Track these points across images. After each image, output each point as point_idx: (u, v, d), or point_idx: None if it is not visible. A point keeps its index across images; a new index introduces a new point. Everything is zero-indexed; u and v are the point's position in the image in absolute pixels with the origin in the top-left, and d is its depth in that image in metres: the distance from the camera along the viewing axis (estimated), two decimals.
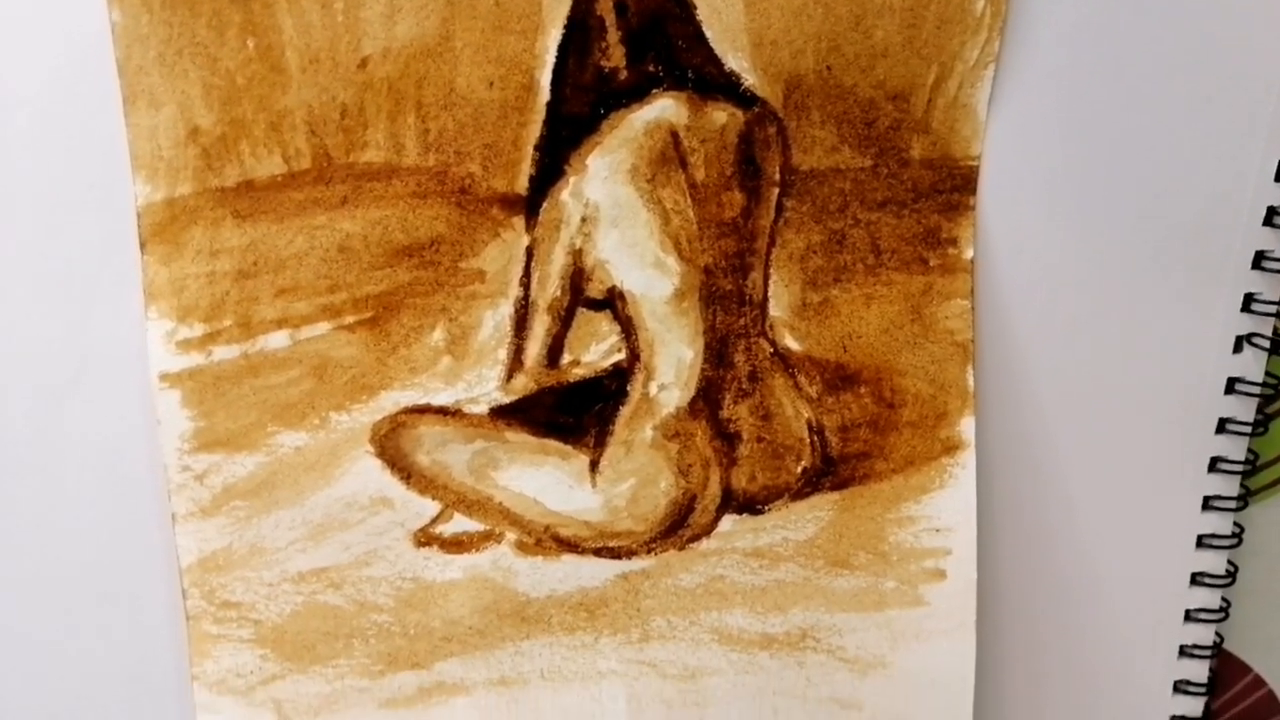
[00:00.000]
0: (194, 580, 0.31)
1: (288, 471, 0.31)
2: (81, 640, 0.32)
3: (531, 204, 0.30)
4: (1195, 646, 0.35)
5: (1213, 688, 0.36)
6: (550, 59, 0.29)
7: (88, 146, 0.29)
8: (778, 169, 0.30)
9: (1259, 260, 0.32)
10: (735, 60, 0.29)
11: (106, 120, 0.29)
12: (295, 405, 0.30)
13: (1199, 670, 0.35)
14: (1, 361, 0.30)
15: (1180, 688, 0.35)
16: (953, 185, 0.30)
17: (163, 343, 0.30)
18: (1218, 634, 0.35)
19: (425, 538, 0.31)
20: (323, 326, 0.30)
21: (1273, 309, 0.32)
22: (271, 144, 0.29)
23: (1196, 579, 0.34)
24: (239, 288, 0.30)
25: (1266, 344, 0.33)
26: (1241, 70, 0.30)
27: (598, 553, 0.32)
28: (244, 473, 0.30)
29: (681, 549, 0.32)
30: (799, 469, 0.31)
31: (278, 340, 0.30)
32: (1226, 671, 0.38)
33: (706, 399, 0.31)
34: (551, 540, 0.31)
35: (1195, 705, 0.35)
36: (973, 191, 0.30)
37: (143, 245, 0.29)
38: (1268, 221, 0.31)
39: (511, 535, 0.31)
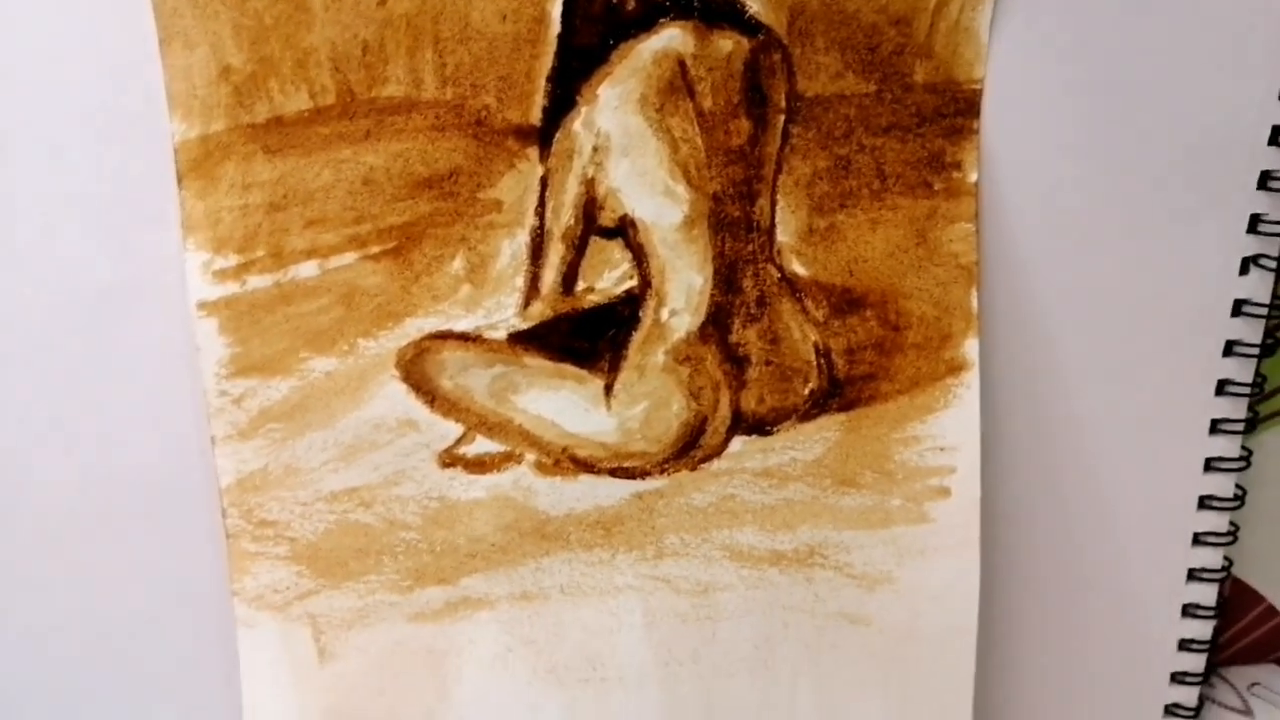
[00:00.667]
0: (233, 500, 0.33)
1: (319, 395, 0.32)
2: (127, 557, 0.34)
3: (545, 135, 0.31)
4: (1204, 570, 0.36)
5: (1222, 613, 0.36)
6: None
7: (127, 86, 0.30)
8: (783, 96, 0.31)
9: (1264, 180, 0.32)
10: None
11: (144, 60, 0.30)
12: (325, 332, 0.32)
13: (1208, 594, 0.36)
14: (50, 293, 0.32)
15: (1189, 611, 0.36)
16: (956, 109, 0.31)
17: (200, 273, 0.31)
18: (1226, 558, 0.36)
19: (450, 458, 0.33)
20: (349, 256, 0.31)
21: (1278, 232, 0.33)
22: (298, 81, 0.30)
23: (1204, 502, 0.35)
24: (270, 220, 0.31)
25: (1274, 265, 0.33)
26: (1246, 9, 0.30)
27: (613, 473, 0.33)
28: (278, 396, 0.32)
29: (693, 469, 0.33)
30: (806, 391, 0.33)
31: (308, 269, 0.31)
32: (1239, 600, 0.38)
33: (716, 324, 0.32)
34: (569, 461, 0.33)
35: (1204, 629, 0.36)
36: (976, 115, 0.31)
37: (180, 180, 0.31)
38: (1273, 141, 0.32)
39: (531, 456, 0.33)
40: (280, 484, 0.33)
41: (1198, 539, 0.35)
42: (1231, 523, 0.35)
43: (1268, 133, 0.32)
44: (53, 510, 0.33)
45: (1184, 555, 0.35)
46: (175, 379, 0.32)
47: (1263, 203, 0.32)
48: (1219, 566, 0.36)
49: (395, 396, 0.32)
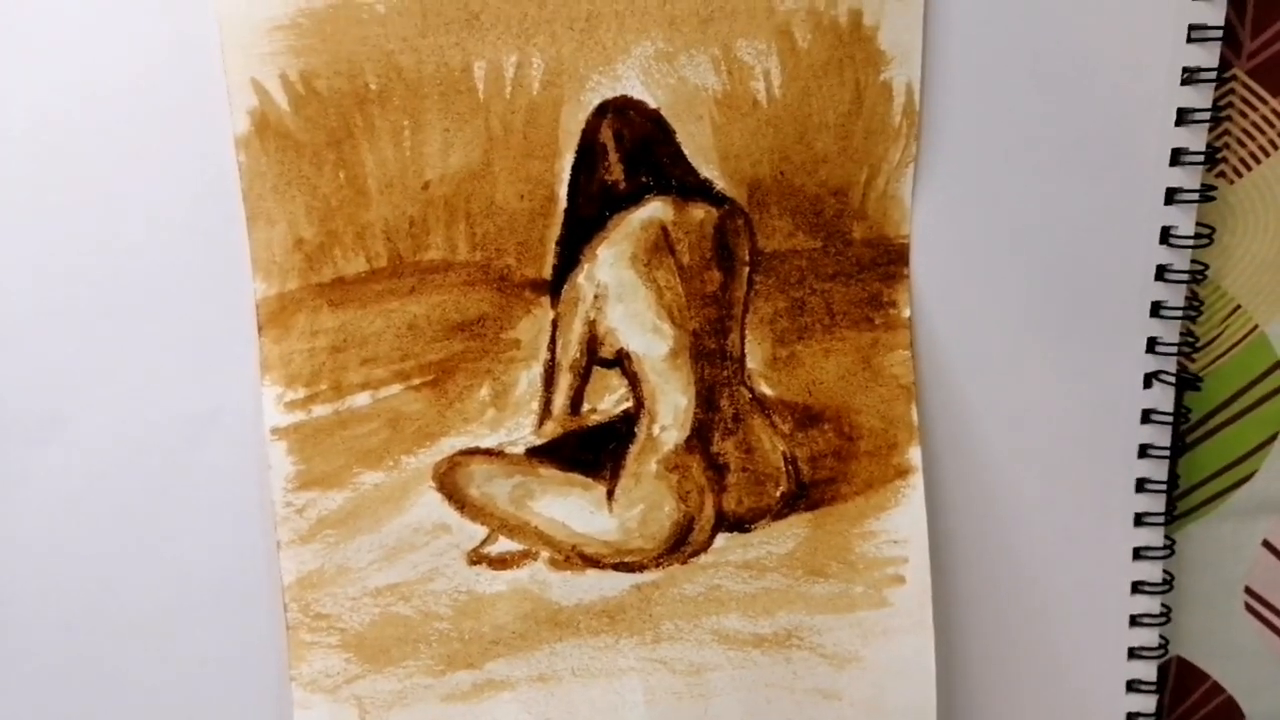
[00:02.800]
0: (293, 596, 0.39)
1: (368, 504, 0.39)
2: (200, 646, 0.39)
3: (555, 286, 0.38)
4: (1143, 649, 0.40)
5: (1163, 688, 0.41)
6: (566, 176, 0.38)
7: (218, 253, 0.38)
8: (747, 252, 0.38)
9: (1156, 310, 0.39)
10: (708, 170, 0.38)
11: (231, 234, 0.38)
12: (374, 451, 0.39)
13: (1148, 670, 0.40)
14: (149, 418, 0.38)
15: (1133, 687, 0.40)
16: (889, 259, 0.38)
17: (274, 404, 0.38)
18: (1163, 637, 0.41)
19: (476, 557, 0.39)
20: (396, 387, 0.38)
21: (1173, 349, 0.39)
22: (357, 249, 0.38)
23: (1137, 587, 0.40)
24: (332, 359, 0.38)
25: (1173, 379, 0.39)
26: (1125, 160, 0.38)
27: (615, 567, 0.39)
28: (334, 506, 0.39)
29: (684, 563, 0.39)
30: (778, 493, 0.39)
31: (361, 399, 0.38)
32: (1186, 679, 0.43)
33: (699, 437, 0.39)
34: (578, 557, 0.39)
35: (1148, 703, 0.40)
36: (906, 263, 0.38)
37: (260, 329, 0.38)
38: (1159, 277, 0.39)
39: (545, 553, 0.39)
40: (333, 581, 0.39)
41: (1134, 620, 0.40)
42: (1164, 605, 0.40)
43: (1153, 270, 0.38)
44: (137, 607, 0.39)
45: (1123, 635, 0.40)
46: (245, 493, 0.39)
47: (1156, 328, 0.39)
48: (1156, 645, 0.40)
49: (431, 504, 0.39)
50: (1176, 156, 0.38)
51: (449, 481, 0.39)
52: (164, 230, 0.38)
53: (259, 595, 0.39)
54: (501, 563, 0.39)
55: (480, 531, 0.39)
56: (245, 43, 0.36)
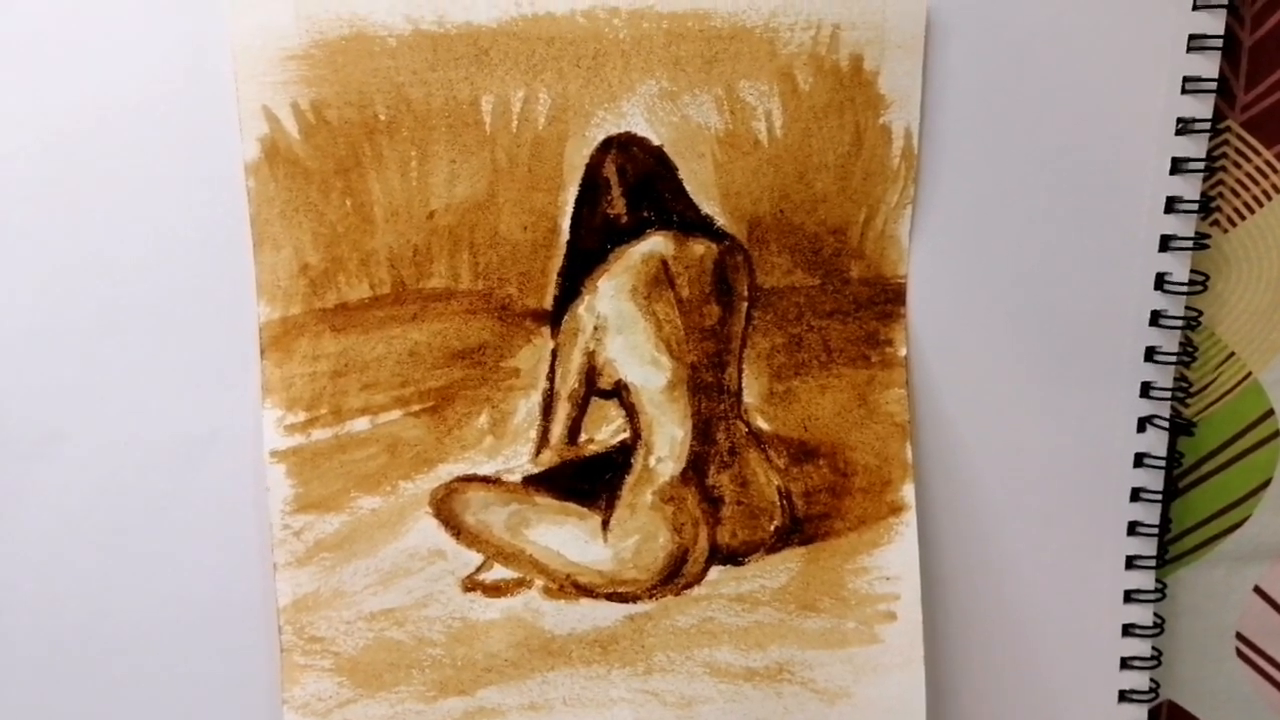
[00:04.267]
0: (288, 619, 0.39)
1: (364, 529, 0.39)
2: (193, 667, 0.40)
3: (555, 317, 0.39)
4: (1133, 692, 0.41)
5: None
6: (569, 209, 0.38)
7: (223, 276, 0.39)
8: (746, 287, 0.39)
9: (1150, 355, 0.39)
10: (709, 207, 0.38)
11: (238, 257, 0.39)
12: (372, 476, 0.39)
13: (1139, 714, 0.41)
14: (148, 438, 0.39)
15: None
16: (886, 298, 0.39)
17: (274, 427, 0.39)
18: (1154, 680, 0.41)
19: (471, 584, 0.39)
20: (395, 413, 0.39)
21: (1166, 394, 0.39)
22: (361, 275, 0.39)
23: (1128, 630, 0.40)
24: (333, 384, 0.39)
25: (1166, 425, 0.40)
26: (1120, 207, 0.38)
27: (609, 597, 0.39)
28: (331, 530, 0.39)
29: (677, 594, 0.39)
30: (772, 527, 0.39)
31: (361, 424, 0.39)
32: None
33: (695, 469, 0.39)
34: (572, 586, 0.39)
35: None
36: (903, 302, 0.39)
37: (262, 352, 0.39)
38: (1153, 322, 0.39)
39: (539, 582, 0.39)
40: (329, 605, 0.39)
41: (1125, 663, 0.40)
42: (1155, 648, 0.41)
43: (1148, 315, 0.39)
44: (132, 626, 0.39)
45: (1114, 678, 0.40)
46: (243, 514, 0.39)
47: (1150, 372, 0.39)
48: (1146, 688, 0.40)
49: (428, 530, 0.39)
50: (1171, 204, 0.38)
51: (445, 508, 0.39)
52: (170, 252, 0.38)
53: (253, 617, 0.39)
54: (496, 590, 0.39)
55: (475, 558, 0.39)
56: (258, 71, 0.37)
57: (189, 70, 0.37)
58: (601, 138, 0.38)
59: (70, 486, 0.39)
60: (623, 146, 0.38)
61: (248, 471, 0.39)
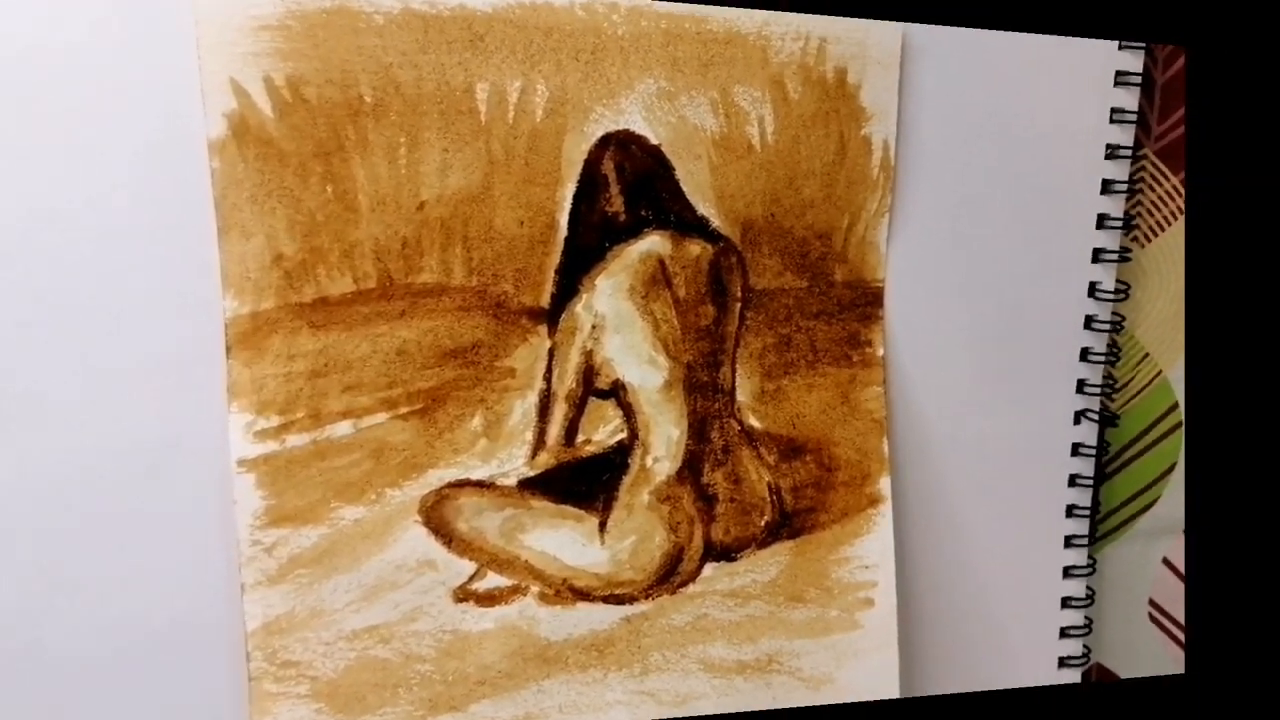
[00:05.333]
0: (257, 644, 0.36)
1: (346, 541, 0.36)
2: (152, 697, 0.35)
3: (552, 315, 0.38)
4: (1070, 658, 0.45)
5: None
6: (568, 205, 0.38)
7: (184, 267, 0.35)
8: (739, 288, 0.40)
9: (1084, 355, 0.44)
10: (705, 208, 0.39)
11: (201, 246, 0.35)
12: (355, 483, 0.36)
13: (1074, 677, 0.45)
14: (104, 445, 0.34)
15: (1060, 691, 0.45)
16: (866, 300, 0.41)
17: (242, 433, 0.36)
18: (1086, 646, 0.45)
19: (463, 594, 0.37)
20: (381, 416, 0.37)
21: (1097, 390, 0.44)
22: (344, 268, 0.36)
23: (1066, 602, 0.45)
24: (311, 385, 0.36)
25: (1096, 418, 0.44)
26: (1063, 223, 0.43)
27: (606, 600, 0.39)
28: (308, 544, 0.36)
29: (673, 593, 0.39)
30: (763, 522, 0.40)
31: (342, 429, 0.36)
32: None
33: (690, 468, 0.39)
34: (568, 590, 0.38)
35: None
36: (881, 305, 0.41)
37: (228, 350, 0.35)
38: (1087, 325, 0.44)
39: (535, 588, 0.38)
40: (305, 626, 0.36)
41: (1064, 632, 0.45)
42: (1087, 617, 0.45)
43: (1082, 319, 0.43)
44: (85, 652, 0.35)
45: (1054, 646, 0.44)
46: (207, 530, 0.36)
47: (1084, 370, 0.44)
48: (1080, 654, 0.45)
49: (417, 539, 0.37)
50: (1101, 221, 0.43)
51: (436, 515, 0.37)
52: (124, 240, 0.34)
53: (219, 642, 0.36)
54: (490, 599, 0.38)
55: (467, 567, 0.38)
56: (225, 40, 0.34)
57: (146, 36, 0.34)
58: (600, 134, 0.38)
59: (16, 499, 0.34)
60: (621, 144, 0.38)
61: (213, 482, 0.35)
